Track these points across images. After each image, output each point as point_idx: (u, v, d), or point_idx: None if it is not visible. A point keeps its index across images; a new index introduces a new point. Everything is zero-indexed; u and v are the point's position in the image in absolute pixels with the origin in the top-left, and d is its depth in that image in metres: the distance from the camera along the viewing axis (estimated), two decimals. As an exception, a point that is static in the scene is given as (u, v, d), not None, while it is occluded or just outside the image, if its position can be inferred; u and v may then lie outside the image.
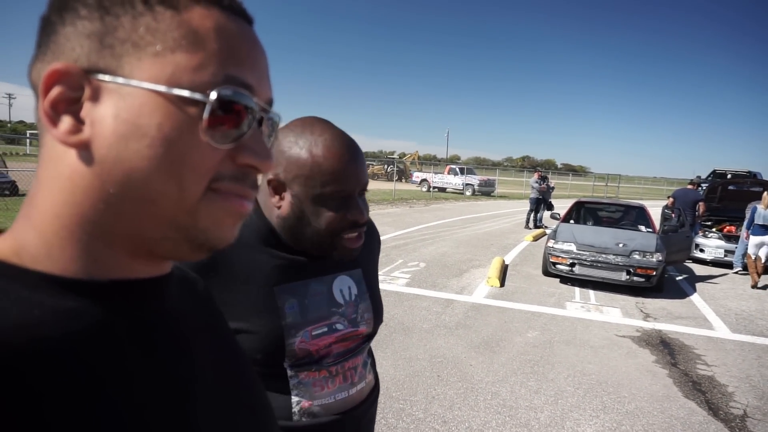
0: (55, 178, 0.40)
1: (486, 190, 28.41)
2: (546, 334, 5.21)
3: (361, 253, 1.08)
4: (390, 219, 13.98)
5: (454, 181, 28.55)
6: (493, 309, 5.99)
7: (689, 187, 10.39)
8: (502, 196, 28.83)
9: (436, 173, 30.07)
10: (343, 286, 1.04)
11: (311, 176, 0.90)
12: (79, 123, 0.39)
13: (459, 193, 27.81)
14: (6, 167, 14.79)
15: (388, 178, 34.92)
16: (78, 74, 0.38)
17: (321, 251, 0.96)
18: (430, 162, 43.51)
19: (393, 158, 49.94)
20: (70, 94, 0.39)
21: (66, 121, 0.39)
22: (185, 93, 0.39)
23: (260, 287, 0.93)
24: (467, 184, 27.93)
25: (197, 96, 0.39)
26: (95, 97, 0.39)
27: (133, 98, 0.38)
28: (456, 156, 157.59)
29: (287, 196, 0.93)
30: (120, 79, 0.38)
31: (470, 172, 29.87)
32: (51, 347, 0.35)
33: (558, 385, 4.02)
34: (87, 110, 0.39)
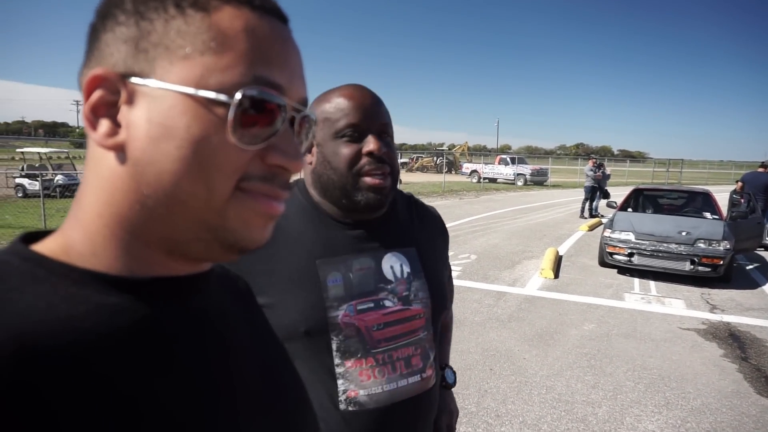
0: (97, 179, 0.42)
1: (538, 180, 27.69)
2: (603, 327, 5.03)
3: (417, 233, 1.09)
4: (440, 212, 13.79)
5: (505, 171, 27.98)
6: (547, 301, 5.85)
7: (760, 170, 9.71)
8: (556, 185, 28.06)
9: (486, 164, 29.59)
10: (394, 263, 1.02)
11: (327, 117, 0.96)
12: (116, 126, 0.40)
13: (510, 184, 27.27)
14: (76, 170, 15.75)
15: (438, 170, 34.71)
16: (115, 79, 0.40)
17: (347, 196, 0.97)
18: (480, 152, 42.92)
19: (442, 150, 49.58)
20: (109, 98, 0.40)
21: (104, 125, 0.40)
22: (211, 94, 0.39)
23: (302, 260, 0.95)
24: (519, 174, 27.31)
25: (222, 97, 0.39)
26: (130, 101, 0.40)
27: (164, 101, 0.39)
28: (507, 146, 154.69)
29: (314, 149, 0.99)
30: (152, 82, 0.39)
31: (521, 161, 29.19)
32: (95, 340, 0.37)
33: (617, 379, 3.88)
34: (123, 113, 0.40)
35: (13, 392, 0.31)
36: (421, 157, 41.07)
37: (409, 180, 25.97)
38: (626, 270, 7.25)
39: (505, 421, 3.21)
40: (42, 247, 0.42)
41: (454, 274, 6.71)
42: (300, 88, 0.45)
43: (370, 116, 0.96)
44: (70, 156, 18.04)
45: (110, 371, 0.36)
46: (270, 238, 0.95)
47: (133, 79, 0.40)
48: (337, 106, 0.96)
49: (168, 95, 0.39)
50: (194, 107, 0.39)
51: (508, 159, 28.92)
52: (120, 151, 0.40)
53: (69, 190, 13.77)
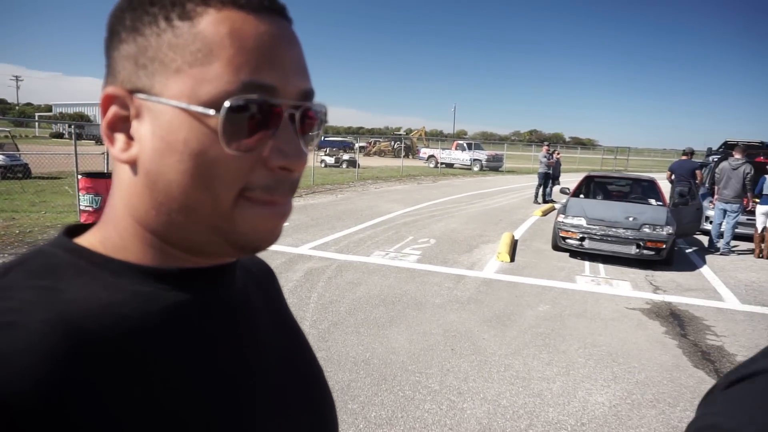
0: (120, 183, 0.45)
1: (494, 165, 28.33)
2: (557, 308, 5.29)
3: None
4: (399, 196, 14.02)
5: (462, 157, 28.47)
6: (503, 284, 6.08)
7: (683, 157, 10.08)
8: (511, 171, 28.74)
9: (443, 149, 29.96)
10: None
11: None
12: (130, 140, 0.42)
13: (467, 169, 27.75)
14: (18, 150, 14.92)
15: (395, 154, 34.82)
16: (124, 95, 0.42)
17: None
18: (437, 138, 43.22)
19: (400, 135, 49.54)
20: (121, 113, 0.42)
21: (120, 139, 0.43)
22: (199, 109, 0.40)
23: None
24: (475, 160, 27.86)
25: (210, 112, 0.39)
26: (138, 116, 0.42)
27: (163, 115, 0.40)
28: (463, 131, 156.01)
29: None
30: (153, 98, 0.41)
31: (478, 147, 29.79)
32: (132, 324, 0.41)
33: (569, 356, 4.11)
34: (134, 128, 0.42)
35: (62, 369, 0.35)
36: (379, 141, 41.00)
37: (367, 164, 25.96)
38: (578, 254, 7.59)
39: (467, 398, 3.37)
40: (83, 240, 0.45)
41: (414, 258, 6.89)
42: (299, 82, 0.43)
43: None
44: (11, 135, 17.04)
45: (144, 351, 0.40)
46: None
47: (139, 95, 0.41)
48: None
49: (166, 110, 0.40)
50: (189, 121, 0.40)
51: (465, 145, 29.41)
52: (134, 164, 0.43)
53: (11, 171, 13.03)
